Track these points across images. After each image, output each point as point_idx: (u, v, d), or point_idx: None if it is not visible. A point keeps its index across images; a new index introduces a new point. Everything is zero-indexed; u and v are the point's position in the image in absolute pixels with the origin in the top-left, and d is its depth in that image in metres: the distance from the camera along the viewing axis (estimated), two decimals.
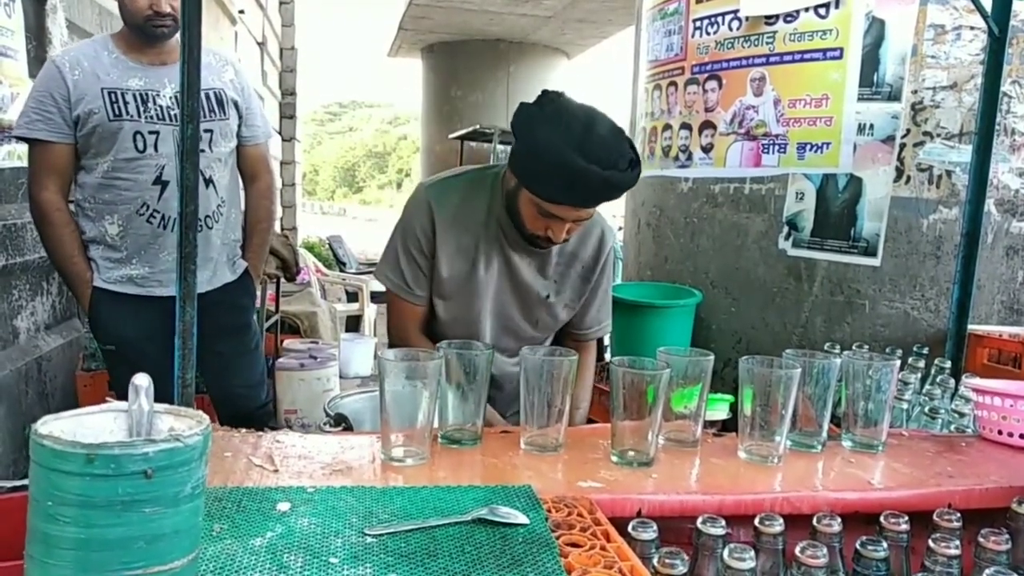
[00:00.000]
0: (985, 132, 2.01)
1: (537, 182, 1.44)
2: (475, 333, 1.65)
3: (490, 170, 1.68)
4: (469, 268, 1.62)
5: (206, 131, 2.08)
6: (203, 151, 2.07)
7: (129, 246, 2.08)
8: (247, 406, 2.33)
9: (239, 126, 2.23)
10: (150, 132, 2.03)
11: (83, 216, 2.10)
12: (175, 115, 2.05)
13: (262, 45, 7.29)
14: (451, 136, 10.20)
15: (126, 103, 2.01)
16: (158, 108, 2.04)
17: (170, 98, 2.05)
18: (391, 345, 1.68)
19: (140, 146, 2.03)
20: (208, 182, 2.12)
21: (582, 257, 1.69)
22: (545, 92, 1.48)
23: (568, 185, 1.40)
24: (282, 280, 4.15)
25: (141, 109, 2.02)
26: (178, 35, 2.09)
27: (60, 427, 0.61)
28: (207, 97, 2.11)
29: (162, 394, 1.89)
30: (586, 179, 1.38)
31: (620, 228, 4.88)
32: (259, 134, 2.32)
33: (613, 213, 9.00)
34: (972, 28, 2.43)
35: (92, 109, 1.98)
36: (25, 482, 1.45)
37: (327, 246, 8.16)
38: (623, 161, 1.42)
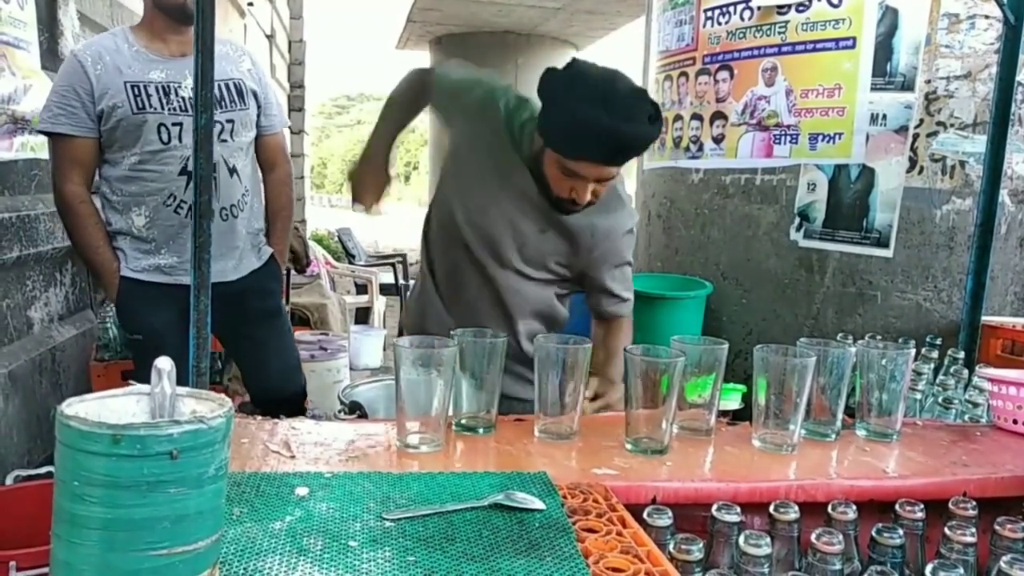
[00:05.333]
0: (1000, 122, 2.00)
1: (559, 140, 1.47)
2: (467, 216, 1.66)
3: None
4: (489, 155, 1.65)
5: (228, 121, 2.11)
6: (225, 141, 2.11)
7: (157, 236, 2.09)
8: (287, 389, 2.36)
9: (258, 116, 2.25)
10: (174, 124, 2.04)
11: (110, 208, 2.11)
12: None
13: (271, 38, 7.30)
14: None
15: (149, 96, 2.02)
16: (180, 100, 2.05)
17: (191, 89, 2.05)
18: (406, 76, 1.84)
19: (165, 138, 2.04)
20: (232, 171, 2.14)
21: (593, 219, 1.64)
22: (573, 59, 1.52)
23: (590, 141, 1.42)
24: (292, 272, 4.16)
25: (164, 101, 2.03)
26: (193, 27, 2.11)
27: (85, 409, 0.62)
28: (227, 87, 2.13)
29: (185, 383, 1.93)
30: (607, 134, 1.40)
31: None
32: (276, 123, 2.33)
33: None
34: (987, 17, 2.41)
35: (116, 103, 1.99)
36: (40, 471, 1.47)
37: (336, 238, 8.17)
38: (643, 115, 1.44)
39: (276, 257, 2.36)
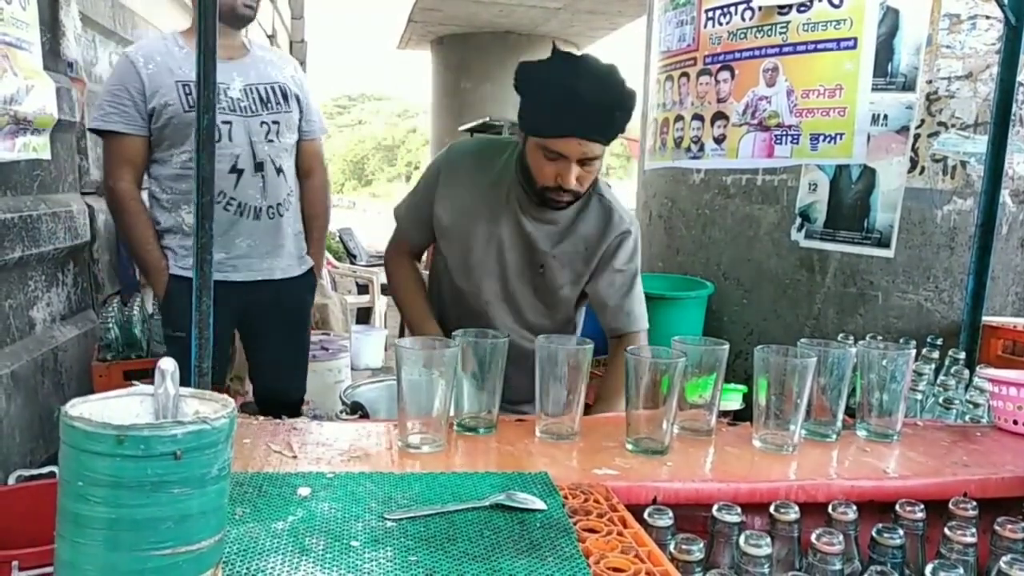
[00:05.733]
0: (1000, 122, 2.00)
1: (537, 119, 1.50)
2: (476, 286, 1.70)
3: (512, 141, 1.74)
4: (471, 219, 1.68)
5: (274, 122, 2.20)
6: (272, 141, 2.20)
7: None
8: (289, 396, 2.44)
9: (300, 120, 2.32)
10: (223, 122, 2.11)
11: (158, 207, 2.17)
12: (245, 107, 2.15)
13: (272, 38, 7.30)
14: (461, 128, 10.19)
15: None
16: (229, 100, 2.13)
17: (239, 91, 2.15)
18: (385, 262, 1.88)
19: (215, 136, 2.10)
20: (279, 171, 2.22)
21: (580, 232, 1.68)
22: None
23: (565, 112, 1.44)
24: None
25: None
26: (242, 31, 2.22)
27: (89, 409, 0.62)
28: (273, 90, 2.22)
29: (219, 376, 2.01)
30: (582, 101, 1.43)
31: None
32: (316, 129, 2.40)
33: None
34: (988, 17, 2.41)
35: (167, 102, 2.05)
36: (42, 471, 1.47)
37: (337, 238, 8.16)
38: (615, 84, 1.47)
39: (314, 266, 2.42)
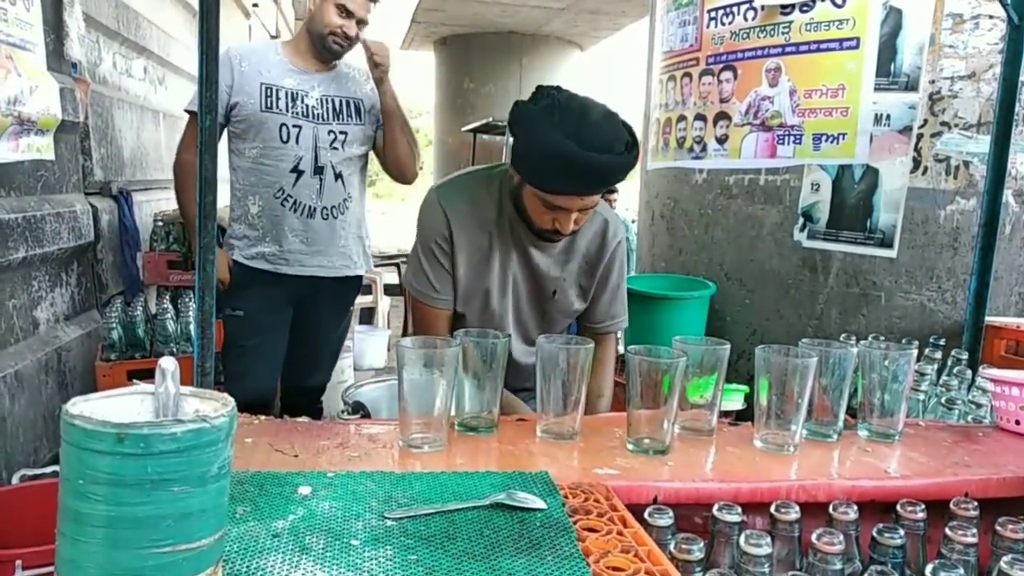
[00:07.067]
0: (1003, 122, 2.00)
1: (537, 175, 1.47)
2: (495, 326, 1.68)
3: (497, 168, 1.71)
4: (485, 264, 1.65)
5: (342, 132, 2.38)
6: (336, 149, 2.38)
7: (264, 225, 2.37)
8: (311, 383, 2.63)
9: (375, 133, 2.48)
10: (294, 126, 2.31)
11: (233, 197, 2.40)
12: (318, 114, 2.35)
13: (275, 39, 7.31)
14: (464, 129, 10.19)
15: (278, 99, 2.30)
16: (304, 106, 2.32)
17: (316, 99, 2.35)
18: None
19: (284, 137, 2.30)
20: (338, 176, 2.39)
21: (580, 248, 1.69)
22: (539, 88, 1.50)
23: (567, 174, 1.42)
24: None
25: (290, 105, 2.31)
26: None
27: (90, 408, 0.63)
28: (346, 103, 2.40)
29: (271, 354, 2.43)
30: (584, 166, 1.40)
31: (634, 220, 4.87)
32: None
33: (627, 206, 8.97)
34: (991, 17, 2.40)
35: (249, 100, 2.27)
36: (46, 470, 1.48)
37: None
38: (619, 144, 1.44)
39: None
